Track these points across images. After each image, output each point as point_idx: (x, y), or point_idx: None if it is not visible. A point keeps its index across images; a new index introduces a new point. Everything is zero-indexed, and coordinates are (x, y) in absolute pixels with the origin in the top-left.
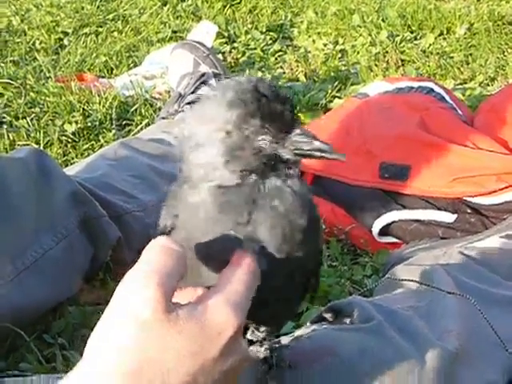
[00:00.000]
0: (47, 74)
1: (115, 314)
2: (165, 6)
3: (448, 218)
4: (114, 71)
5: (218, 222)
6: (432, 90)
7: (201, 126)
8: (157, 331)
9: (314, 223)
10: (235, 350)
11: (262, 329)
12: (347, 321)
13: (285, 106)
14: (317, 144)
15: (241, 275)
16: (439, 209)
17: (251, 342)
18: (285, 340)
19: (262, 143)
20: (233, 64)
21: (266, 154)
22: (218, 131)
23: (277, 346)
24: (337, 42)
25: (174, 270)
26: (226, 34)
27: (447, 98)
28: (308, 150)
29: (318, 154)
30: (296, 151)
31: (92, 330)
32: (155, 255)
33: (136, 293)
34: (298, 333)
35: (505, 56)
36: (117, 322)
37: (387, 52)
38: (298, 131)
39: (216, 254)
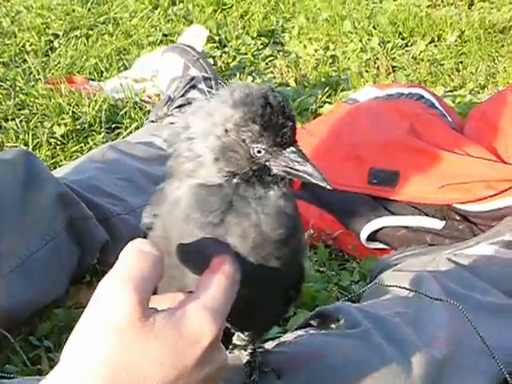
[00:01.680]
0: (37, 76)
1: (91, 320)
2: (156, 9)
3: (436, 224)
4: (104, 74)
5: (192, 220)
6: (422, 96)
7: (200, 120)
8: (133, 338)
9: (291, 239)
10: (213, 357)
11: (247, 333)
12: (334, 326)
13: (288, 121)
14: (309, 167)
15: (220, 281)
16: (428, 215)
17: (235, 346)
18: (270, 345)
19: (256, 151)
20: (223, 68)
21: (257, 162)
22: (216, 127)
23: (260, 350)
24: (328, 48)
25: (150, 273)
26: (216, 39)
27: (437, 104)
28: (298, 171)
29: (306, 176)
30: (286, 168)
31: None
32: (131, 259)
33: (112, 299)
34: (284, 338)
35: (495, 64)
36: (92, 329)
37: (378, 58)
38: (293, 149)
39: (190, 253)
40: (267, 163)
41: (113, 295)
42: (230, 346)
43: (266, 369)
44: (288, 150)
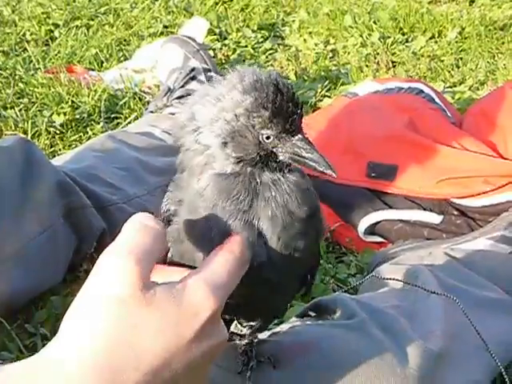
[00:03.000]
0: (37, 66)
1: (91, 291)
2: (157, 0)
3: (434, 218)
4: (104, 64)
5: (220, 209)
6: (421, 91)
7: (206, 106)
8: (133, 309)
9: (314, 217)
10: (212, 332)
11: (246, 323)
12: (330, 317)
13: (297, 108)
14: (315, 154)
15: (226, 259)
16: (425, 209)
17: (233, 335)
18: (265, 334)
19: (265, 137)
20: (223, 61)
21: (265, 148)
22: (226, 112)
23: (257, 340)
24: (328, 42)
25: (153, 247)
26: (217, 31)
27: (436, 99)
28: (304, 158)
29: (313, 164)
30: (293, 155)
31: None
32: (133, 233)
33: (113, 270)
34: (280, 328)
35: (495, 61)
36: (92, 299)
37: (378, 53)
38: (301, 137)
39: (216, 240)
40: (274, 149)
41: (114, 266)
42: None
43: (262, 358)
44: (296, 137)
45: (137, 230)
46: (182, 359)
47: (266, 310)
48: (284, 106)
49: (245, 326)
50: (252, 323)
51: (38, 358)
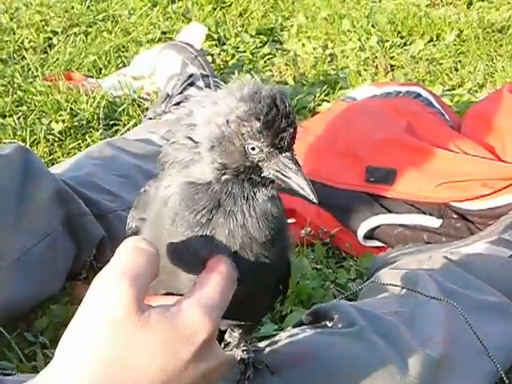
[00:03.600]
0: (35, 73)
1: (86, 313)
2: (155, 7)
3: (433, 222)
4: (102, 71)
5: (180, 219)
6: (419, 94)
7: (203, 107)
8: (128, 331)
9: (279, 239)
10: (209, 354)
11: (239, 329)
12: (330, 325)
13: (289, 127)
14: (300, 176)
15: (215, 280)
16: (425, 213)
17: (227, 344)
18: (264, 343)
19: (250, 147)
20: (222, 66)
21: (250, 160)
22: (218, 116)
23: (253, 348)
24: (326, 47)
25: (146, 270)
26: (215, 37)
27: (435, 103)
28: (288, 177)
29: (295, 186)
30: (277, 173)
31: None
32: (127, 255)
33: (107, 293)
34: (279, 336)
35: (493, 63)
36: (87, 322)
37: (376, 57)
38: (289, 155)
39: (181, 255)
40: (260, 163)
41: (108, 289)
42: (223, 345)
43: (259, 366)
44: (283, 155)
45: (130, 253)
46: (180, 381)
47: (243, 318)
48: (276, 121)
49: (238, 333)
50: (238, 329)
51: (34, 382)
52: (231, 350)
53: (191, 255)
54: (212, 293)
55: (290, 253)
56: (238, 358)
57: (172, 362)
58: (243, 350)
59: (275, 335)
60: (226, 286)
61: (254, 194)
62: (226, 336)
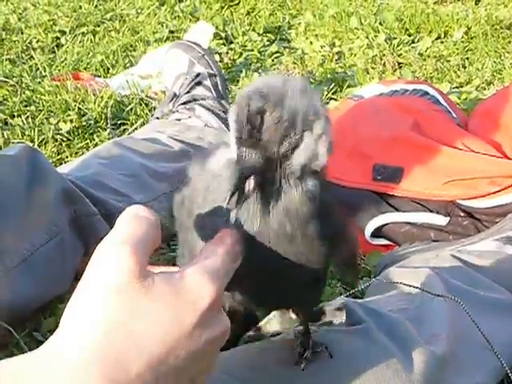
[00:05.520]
0: (43, 73)
1: (87, 283)
2: (162, 6)
3: (440, 220)
4: (110, 71)
5: (217, 193)
6: (427, 92)
7: None
8: (131, 297)
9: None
10: (213, 320)
11: (300, 314)
12: (336, 322)
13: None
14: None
15: (219, 250)
16: (432, 211)
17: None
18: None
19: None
20: (229, 65)
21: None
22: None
23: (311, 332)
24: (334, 45)
25: (147, 236)
26: (223, 35)
27: (442, 100)
28: None
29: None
30: None
31: None
32: (127, 223)
33: (109, 260)
34: (283, 334)
35: (502, 60)
36: (90, 290)
37: (384, 55)
38: None
39: (203, 227)
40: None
41: (109, 257)
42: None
43: (318, 348)
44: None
45: (130, 221)
46: (185, 346)
47: (284, 302)
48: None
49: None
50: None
51: (37, 351)
52: (292, 330)
53: (212, 231)
54: (214, 260)
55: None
56: (298, 341)
57: (176, 327)
58: (303, 334)
59: (279, 333)
60: (228, 256)
61: (283, 187)
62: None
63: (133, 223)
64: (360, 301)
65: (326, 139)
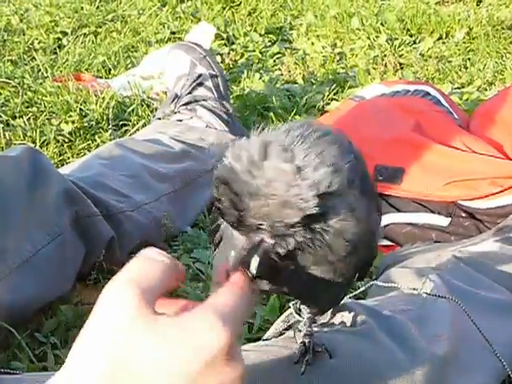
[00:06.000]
0: (45, 74)
1: (92, 321)
2: (164, 6)
3: (442, 221)
4: (111, 71)
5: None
6: (428, 93)
7: None
8: (134, 336)
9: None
10: (224, 367)
11: (307, 311)
12: (337, 323)
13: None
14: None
15: (232, 292)
16: (433, 212)
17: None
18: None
19: None
20: (231, 66)
21: None
22: None
23: (313, 331)
24: (335, 45)
25: (157, 277)
26: (224, 36)
27: (443, 101)
28: None
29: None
30: None
31: None
32: (138, 264)
33: (113, 298)
34: (285, 335)
35: (503, 61)
36: (92, 329)
37: (385, 55)
38: None
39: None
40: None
41: (114, 294)
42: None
43: (319, 348)
44: None
45: (143, 261)
46: None
47: (322, 296)
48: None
49: (301, 316)
50: (310, 310)
51: None
52: (294, 329)
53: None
54: (229, 302)
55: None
56: (299, 340)
57: (180, 371)
58: (305, 334)
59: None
60: (242, 298)
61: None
62: (294, 314)
63: (145, 264)
64: (361, 301)
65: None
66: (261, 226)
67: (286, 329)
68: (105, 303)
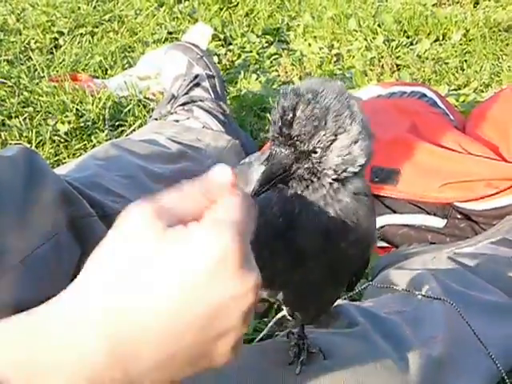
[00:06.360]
0: (41, 74)
1: (111, 231)
2: (161, 7)
3: (438, 222)
4: (108, 72)
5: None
6: (424, 95)
7: None
8: (138, 246)
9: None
10: (234, 274)
11: (296, 316)
12: (332, 324)
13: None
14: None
15: (237, 202)
16: (429, 214)
17: (285, 328)
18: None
19: None
20: (228, 66)
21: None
22: None
23: (306, 333)
24: (332, 46)
25: (177, 203)
26: (222, 37)
27: (439, 103)
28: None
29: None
30: None
31: None
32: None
33: (132, 212)
34: (280, 336)
35: (500, 63)
36: (108, 237)
37: (382, 57)
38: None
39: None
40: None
41: (133, 209)
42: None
43: (313, 350)
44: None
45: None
46: (200, 300)
47: (316, 302)
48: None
49: (295, 318)
50: (301, 316)
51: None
52: (287, 332)
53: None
54: (237, 214)
55: (371, 249)
56: (293, 342)
57: (185, 280)
58: (299, 336)
59: (277, 336)
60: (244, 204)
61: (335, 193)
62: (287, 316)
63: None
64: (357, 303)
65: (361, 143)
66: (299, 138)
67: (280, 330)
68: (119, 219)
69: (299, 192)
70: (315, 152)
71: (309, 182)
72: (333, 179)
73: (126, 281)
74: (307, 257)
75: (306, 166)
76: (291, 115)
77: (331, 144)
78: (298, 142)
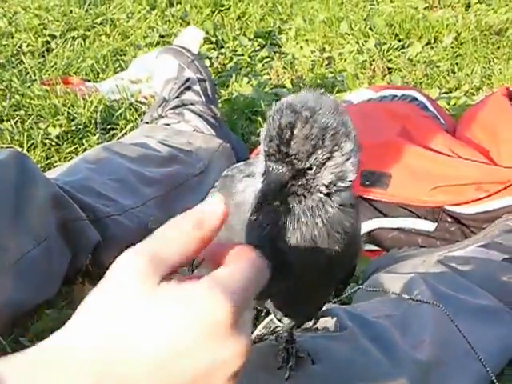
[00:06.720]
0: (33, 77)
1: (101, 284)
2: (153, 10)
3: (428, 226)
4: (100, 75)
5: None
6: (415, 98)
7: None
8: (133, 301)
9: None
10: (224, 341)
11: (286, 320)
12: (321, 328)
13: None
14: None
15: (242, 264)
16: (419, 217)
17: (272, 333)
18: None
19: None
20: (220, 70)
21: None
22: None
23: (295, 338)
24: (324, 50)
25: (174, 251)
26: (213, 40)
27: (430, 106)
28: None
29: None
30: None
31: None
32: (151, 238)
33: (118, 263)
34: (269, 340)
35: (491, 66)
36: (98, 291)
37: (374, 60)
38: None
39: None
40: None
41: (124, 260)
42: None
43: (301, 354)
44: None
45: (165, 229)
46: (185, 363)
47: (304, 309)
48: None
49: (282, 322)
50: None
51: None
52: (276, 336)
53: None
54: (236, 274)
55: (358, 257)
56: (282, 346)
57: (174, 342)
58: (287, 340)
59: (266, 339)
60: (253, 273)
61: (323, 204)
62: (275, 320)
63: (157, 238)
64: (346, 307)
65: (353, 160)
66: (297, 157)
67: (269, 334)
68: (113, 268)
69: (290, 206)
70: (311, 169)
71: (301, 198)
72: (324, 194)
73: (113, 336)
74: (294, 266)
75: (300, 182)
76: (289, 133)
77: (326, 162)
78: (295, 161)
